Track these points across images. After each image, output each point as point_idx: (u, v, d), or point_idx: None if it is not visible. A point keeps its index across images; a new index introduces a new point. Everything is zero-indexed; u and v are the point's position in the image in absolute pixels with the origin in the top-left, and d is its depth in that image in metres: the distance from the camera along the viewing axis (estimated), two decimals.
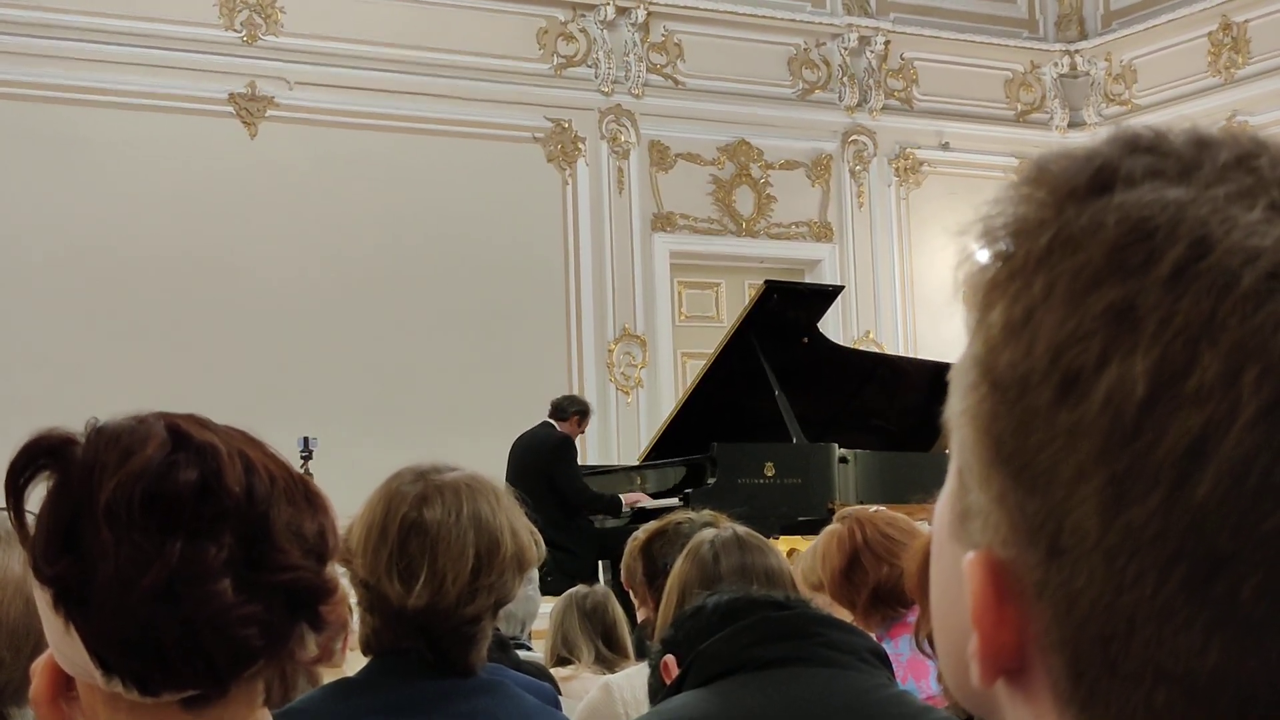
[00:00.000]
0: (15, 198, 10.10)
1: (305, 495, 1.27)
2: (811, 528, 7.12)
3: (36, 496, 1.24)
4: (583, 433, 9.47)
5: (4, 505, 1.26)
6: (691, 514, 3.35)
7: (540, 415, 9.24)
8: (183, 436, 1.23)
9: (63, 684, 1.27)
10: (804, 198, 12.80)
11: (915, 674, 3.31)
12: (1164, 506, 0.53)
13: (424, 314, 11.10)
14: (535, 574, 3.61)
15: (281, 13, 11.05)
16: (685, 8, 12.29)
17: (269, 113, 10.94)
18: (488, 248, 11.34)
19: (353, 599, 2.22)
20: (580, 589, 4.91)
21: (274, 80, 10.97)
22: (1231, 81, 12.84)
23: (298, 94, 11.00)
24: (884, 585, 3.41)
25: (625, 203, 12.05)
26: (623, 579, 3.52)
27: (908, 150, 13.21)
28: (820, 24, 12.91)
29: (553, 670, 4.21)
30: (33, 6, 10.25)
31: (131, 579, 1.18)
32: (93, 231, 10.26)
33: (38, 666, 1.29)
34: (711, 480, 8.56)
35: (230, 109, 10.85)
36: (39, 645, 1.33)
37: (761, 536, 2.97)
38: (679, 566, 2.84)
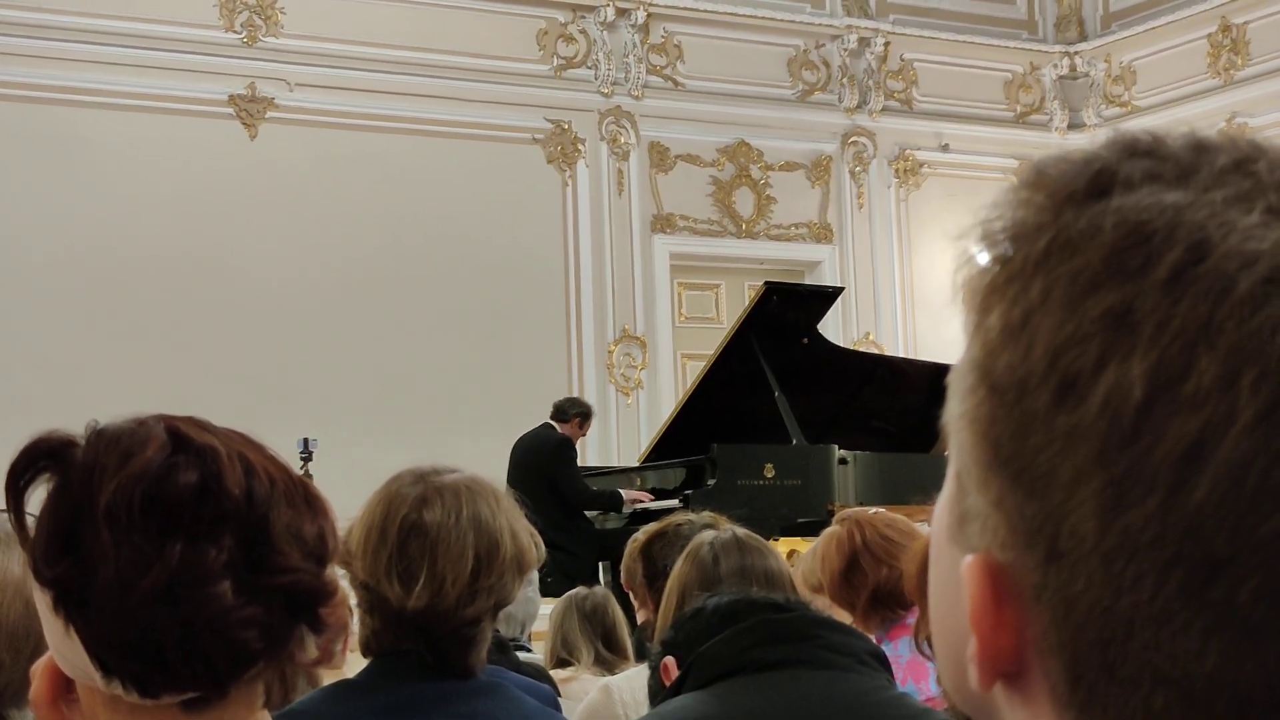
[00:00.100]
0: (16, 198, 10.10)
1: (305, 498, 1.27)
2: (811, 529, 7.13)
3: (37, 498, 1.24)
4: (584, 435, 9.47)
5: (4, 507, 1.26)
6: (691, 515, 3.35)
7: (540, 416, 9.25)
8: (183, 439, 1.23)
9: (63, 686, 1.27)
10: (804, 199, 12.80)
11: (915, 676, 3.31)
12: (1162, 510, 0.53)
13: (424, 315, 11.10)
14: (535, 575, 3.61)
15: (281, 14, 11.05)
16: (685, 9, 12.30)
17: (269, 114, 10.94)
18: (487, 249, 11.34)
19: (352, 601, 2.22)
20: (580, 591, 4.91)
21: (274, 81, 10.97)
22: (1231, 83, 12.84)
23: (298, 95, 11.00)
24: (883, 587, 3.41)
25: (625, 204, 12.05)
26: (622, 580, 3.52)
27: (907, 151, 13.21)
28: (820, 25, 12.91)
29: (552, 672, 4.20)
30: (33, 8, 10.26)
31: (131, 581, 1.18)
32: (93, 232, 10.26)
33: (38, 669, 1.29)
34: (711, 481, 8.55)
35: (230, 110, 10.85)
36: (39, 647, 1.33)
37: (761, 538, 2.97)
38: (679, 568, 2.84)
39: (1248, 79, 12.72)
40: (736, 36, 12.55)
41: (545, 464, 8.82)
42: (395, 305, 11.02)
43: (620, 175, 12.05)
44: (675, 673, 2.17)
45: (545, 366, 11.33)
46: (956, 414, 0.60)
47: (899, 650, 3.31)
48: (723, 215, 12.46)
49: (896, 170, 13.16)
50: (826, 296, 9.74)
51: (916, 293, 12.92)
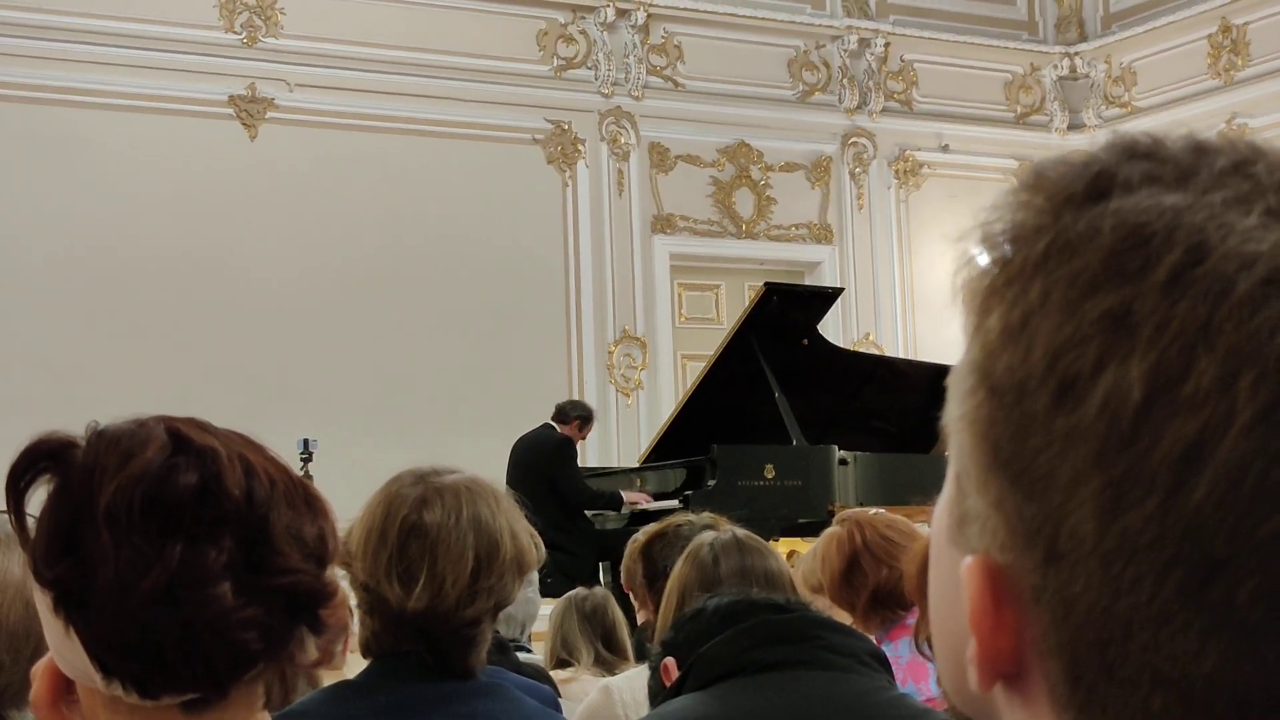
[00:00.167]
0: (16, 199, 10.11)
1: (305, 499, 1.27)
2: (811, 530, 7.13)
3: (37, 500, 1.24)
4: (584, 439, 9.46)
5: (4, 508, 1.26)
6: (691, 516, 3.35)
7: (540, 417, 9.25)
8: (183, 440, 1.23)
9: (63, 687, 1.27)
10: (804, 200, 12.80)
11: (915, 676, 3.31)
12: (1160, 511, 0.53)
13: (424, 316, 11.10)
14: (535, 576, 3.61)
15: (281, 14, 11.05)
16: (685, 10, 12.30)
17: (269, 114, 10.94)
18: (487, 249, 11.34)
19: (352, 601, 2.22)
20: (580, 591, 4.91)
21: (274, 82, 10.97)
22: (1231, 84, 12.84)
23: (298, 96, 11.00)
24: (883, 588, 3.41)
25: (625, 204, 12.05)
26: (623, 581, 3.52)
27: (907, 152, 13.21)
28: (820, 26, 12.91)
29: (552, 672, 4.20)
30: (33, 9, 10.26)
31: (131, 582, 1.18)
32: (93, 233, 10.26)
33: (38, 670, 1.29)
34: (711, 482, 8.55)
35: (230, 111, 10.86)
36: (39, 648, 1.33)
37: (761, 539, 2.97)
38: (679, 569, 2.84)
39: (1248, 80, 12.72)
40: (736, 37, 12.55)
41: (545, 464, 8.83)
42: (395, 306, 11.02)
43: (620, 176, 12.05)
44: (675, 673, 2.17)
45: (545, 367, 11.33)
46: (956, 416, 0.60)
47: (899, 651, 3.31)
48: (723, 216, 12.46)
49: (896, 171, 13.16)
50: (826, 297, 9.75)
51: (916, 293, 12.92)
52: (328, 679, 2.36)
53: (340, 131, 11.03)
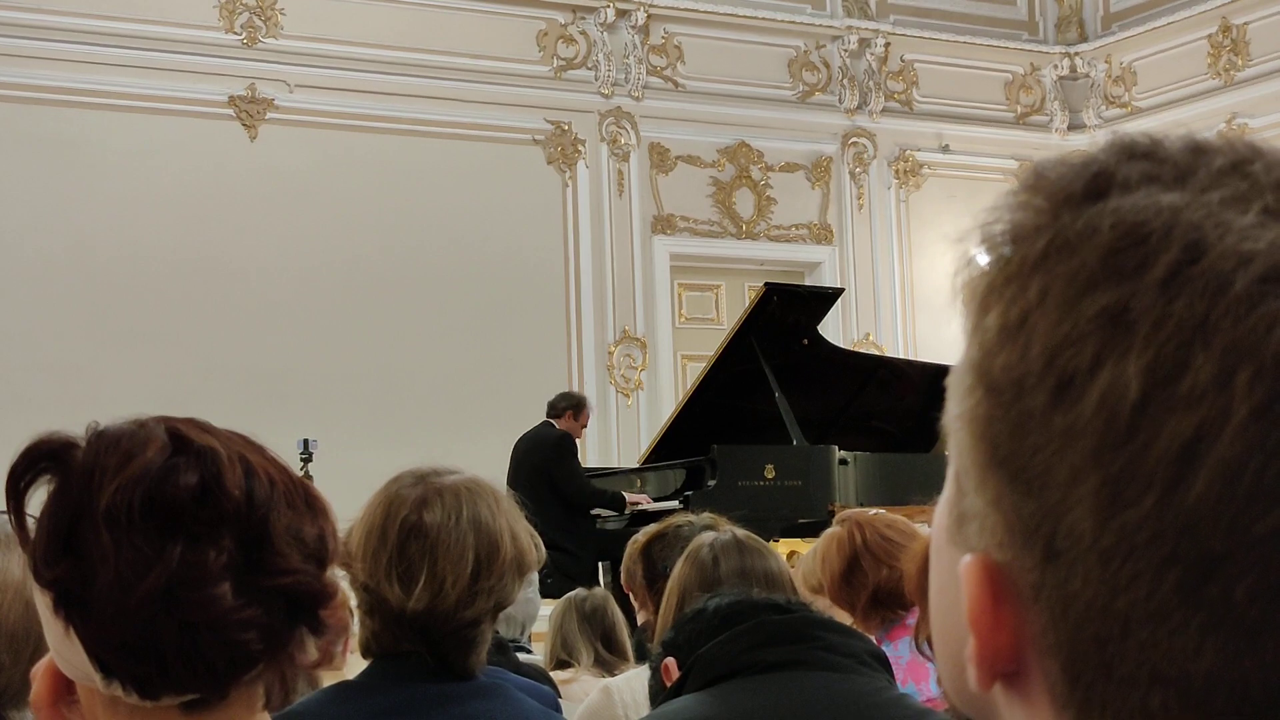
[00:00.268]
0: (16, 200, 10.11)
1: (305, 499, 1.27)
2: (812, 530, 7.13)
3: (37, 500, 1.24)
4: (584, 427, 9.45)
5: (4, 508, 1.26)
6: (691, 516, 3.35)
7: (540, 417, 9.24)
8: (183, 440, 1.23)
9: (63, 688, 1.27)
10: (804, 200, 12.80)
11: (915, 677, 3.31)
12: (1158, 508, 0.53)
13: (424, 316, 11.10)
14: (535, 577, 3.61)
15: (281, 15, 11.06)
16: (685, 10, 12.30)
17: (269, 115, 10.95)
18: (488, 250, 11.34)
19: (353, 602, 2.22)
20: (580, 592, 4.91)
21: (274, 83, 10.97)
22: (1231, 84, 12.84)
23: (298, 96, 11.01)
24: (883, 588, 3.41)
25: (625, 205, 12.06)
26: (622, 581, 3.52)
27: (907, 152, 13.22)
28: (820, 26, 12.91)
29: (552, 673, 4.20)
30: (33, 9, 10.26)
31: (131, 582, 1.18)
32: (93, 233, 10.26)
33: (38, 670, 1.29)
34: (712, 482, 8.55)
35: (230, 111, 10.86)
36: (39, 649, 1.33)
37: (761, 539, 2.97)
38: (679, 569, 2.84)
39: (1248, 80, 12.72)
40: (736, 37, 12.55)
41: (545, 461, 8.82)
42: (395, 306, 11.02)
43: (620, 176, 12.05)
44: (676, 674, 2.17)
45: (545, 367, 11.33)
46: (955, 414, 0.60)
47: (899, 651, 3.30)
48: (723, 216, 12.46)
49: (897, 171, 13.16)
50: (826, 297, 9.74)
51: (916, 294, 12.92)
52: (328, 679, 2.37)
53: (340, 132, 11.04)
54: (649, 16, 12.16)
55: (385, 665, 2.16)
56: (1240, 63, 12.79)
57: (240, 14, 10.95)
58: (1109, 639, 0.55)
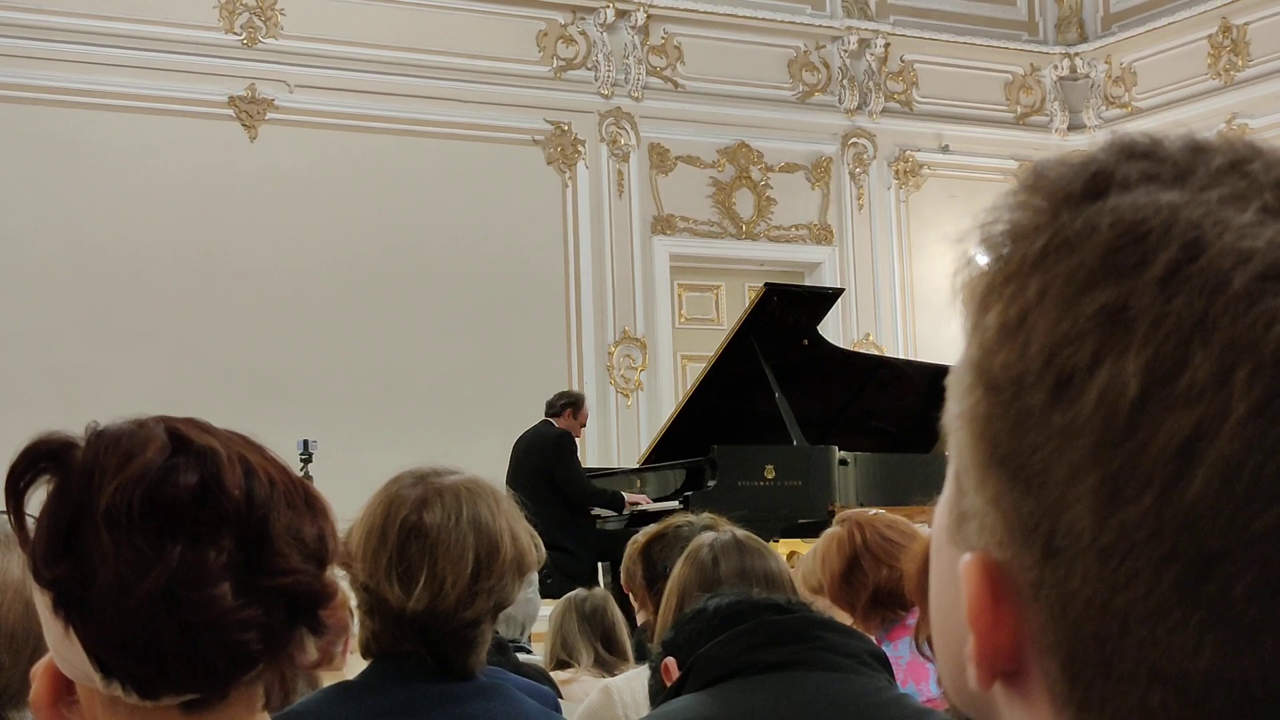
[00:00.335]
0: (16, 200, 10.11)
1: (305, 499, 1.27)
2: (812, 530, 7.12)
3: (37, 500, 1.24)
4: (583, 425, 9.45)
5: (4, 508, 1.26)
6: (691, 517, 3.35)
7: (540, 417, 9.24)
8: (182, 440, 1.23)
9: (63, 688, 1.27)
10: (804, 200, 12.80)
11: (915, 677, 3.31)
12: (1156, 506, 0.53)
13: (424, 316, 11.10)
14: (535, 577, 3.61)
15: (281, 15, 11.06)
16: (685, 10, 12.30)
17: (269, 115, 10.95)
18: (487, 250, 11.34)
19: (353, 602, 2.22)
20: (580, 592, 4.91)
21: (274, 83, 10.98)
22: (1231, 84, 12.84)
23: (297, 97, 11.01)
24: (883, 588, 3.41)
25: (625, 205, 12.06)
26: (622, 582, 3.52)
27: (907, 153, 13.22)
28: (820, 27, 12.91)
29: (552, 673, 4.20)
30: (33, 9, 10.26)
31: (131, 582, 1.18)
32: (93, 234, 10.27)
33: (37, 670, 1.29)
34: (712, 483, 8.55)
35: (230, 112, 10.86)
36: (38, 649, 1.33)
37: (761, 539, 2.97)
38: (678, 569, 2.84)
39: (1248, 80, 12.73)
40: (736, 38, 12.55)
41: (545, 459, 8.82)
42: (395, 307, 11.02)
43: (620, 176, 12.05)
44: (676, 673, 2.17)
45: (545, 368, 11.33)
46: (955, 413, 0.60)
47: (899, 651, 3.30)
48: (723, 216, 12.46)
49: (896, 171, 13.16)
50: (826, 298, 9.74)
51: (916, 294, 12.92)
52: (327, 680, 2.37)
53: (340, 132, 11.04)
54: (649, 17, 12.16)
55: (385, 665, 2.16)
56: (1240, 63, 12.79)
57: (240, 14, 10.95)
58: (1108, 637, 0.55)
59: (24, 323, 9.99)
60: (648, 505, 8.79)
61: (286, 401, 10.32)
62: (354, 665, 2.25)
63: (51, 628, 1.23)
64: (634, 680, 3.24)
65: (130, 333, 10.23)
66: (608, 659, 4.62)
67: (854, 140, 12.99)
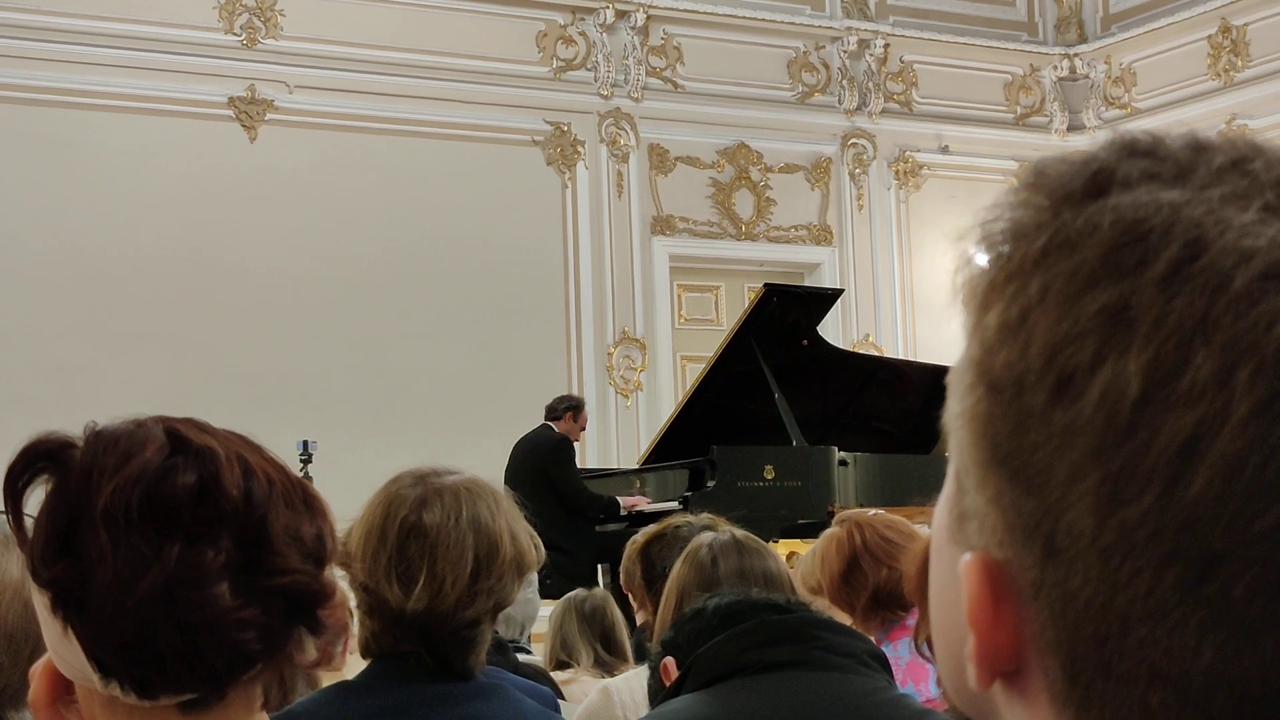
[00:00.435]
0: (16, 200, 10.11)
1: (304, 499, 1.27)
2: (811, 531, 7.12)
3: (35, 500, 1.24)
4: (582, 429, 9.45)
5: (2, 508, 1.26)
6: (690, 517, 3.35)
7: (540, 418, 9.24)
8: (181, 440, 1.23)
9: (61, 688, 1.27)
10: (803, 201, 12.80)
11: (914, 677, 3.31)
12: (1158, 505, 0.53)
13: (424, 317, 11.10)
14: (534, 577, 3.61)
15: (281, 16, 11.05)
16: (684, 11, 12.30)
17: (268, 116, 10.95)
18: (487, 251, 11.34)
19: (352, 602, 2.22)
20: (579, 592, 4.91)
21: (273, 84, 10.97)
22: (1231, 85, 12.84)
23: (297, 97, 11.00)
24: (883, 588, 3.40)
25: (625, 206, 12.05)
26: (621, 582, 3.52)
27: (907, 153, 13.22)
28: (819, 27, 12.91)
29: (551, 673, 4.20)
30: (32, 10, 10.26)
31: (129, 582, 1.17)
32: (93, 234, 10.27)
33: (36, 670, 1.29)
34: (711, 483, 8.55)
35: (230, 112, 10.86)
36: (37, 649, 1.33)
37: (760, 540, 2.97)
38: (677, 570, 2.84)
39: (1248, 80, 12.73)
40: (736, 38, 12.55)
41: (543, 464, 8.82)
42: (395, 307, 11.02)
43: (620, 177, 12.05)
44: (675, 673, 2.17)
45: (545, 368, 11.33)
46: (955, 412, 0.60)
47: (899, 652, 3.30)
48: (722, 217, 12.46)
49: (896, 172, 13.16)
50: (826, 298, 9.74)
51: (916, 294, 12.92)
52: (327, 680, 2.37)
53: (340, 133, 11.04)
54: (648, 18, 12.16)
55: (385, 665, 2.16)
56: (1240, 64, 12.80)
57: (240, 15, 10.95)
58: (1108, 637, 0.55)
59: (23, 323, 9.99)
60: (646, 505, 8.79)
61: (286, 402, 10.32)
62: (354, 665, 2.25)
63: (50, 627, 1.23)
64: (633, 681, 3.24)
65: (129, 333, 10.23)
66: (607, 659, 4.62)
67: (853, 141, 12.99)
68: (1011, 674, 0.59)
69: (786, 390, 8.86)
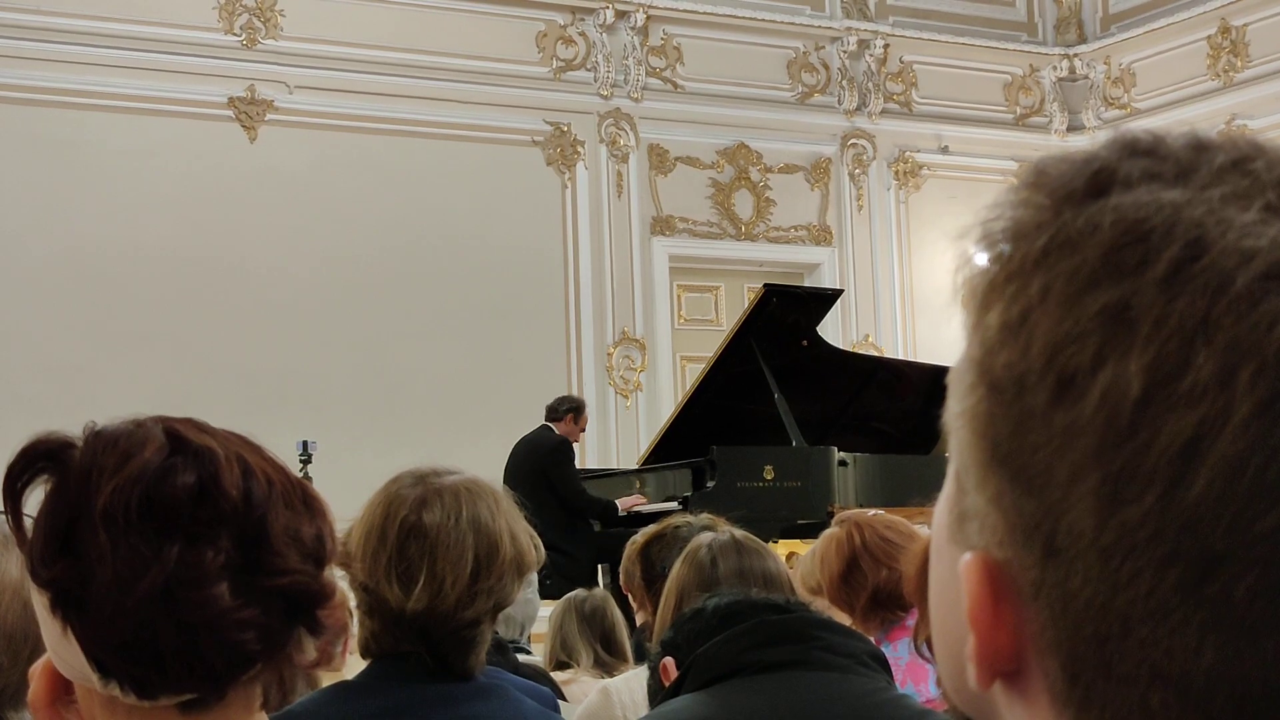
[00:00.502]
0: (16, 201, 10.11)
1: (303, 499, 1.27)
2: (811, 531, 7.12)
3: (35, 500, 1.24)
4: (583, 430, 9.45)
5: (2, 509, 1.25)
6: (690, 517, 3.35)
7: (540, 418, 9.25)
8: (180, 440, 1.23)
9: (61, 688, 1.27)
10: (803, 201, 12.80)
11: (914, 678, 3.31)
12: (1159, 506, 0.53)
13: (423, 317, 11.10)
14: (534, 577, 3.61)
15: (281, 16, 11.05)
16: (684, 11, 12.30)
17: (268, 116, 10.95)
18: (487, 251, 11.34)
19: (352, 602, 2.22)
20: (579, 593, 4.91)
21: (273, 84, 10.97)
22: (1230, 85, 12.84)
23: (297, 98, 11.00)
24: (883, 589, 3.40)
25: (624, 206, 12.06)
26: (621, 582, 3.52)
27: (907, 154, 13.22)
28: (819, 27, 12.91)
29: (551, 674, 4.20)
30: (32, 10, 10.26)
31: (129, 582, 1.17)
32: (93, 234, 10.26)
33: (36, 670, 1.29)
34: (711, 483, 8.55)
35: (230, 113, 10.86)
36: (37, 649, 1.33)
37: (759, 540, 2.97)
38: (677, 570, 2.84)
39: (1247, 81, 12.73)
40: (736, 39, 12.55)
41: (542, 465, 8.82)
42: (395, 308, 11.02)
43: (620, 177, 12.05)
44: (674, 673, 2.17)
45: (544, 369, 11.33)
46: (955, 412, 0.60)
47: (898, 652, 3.30)
48: (722, 217, 12.46)
49: (896, 172, 13.16)
50: (826, 299, 9.74)
51: (916, 295, 12.92)
52: (327, 680, 2.37)
53: (340, 133, 11.04)
54: (648, 18, 12.16)
55: (384, 666, 2.16)
56: (1239, 64, 12.80)
57: (240, 15, 10.95)
58: (1109, 637, 0.55)
59: (23, 323, 9.99)
60: (645, 507, 8.78)
61: (286, 402, 10.33)
62: (353, 665, 2.25)
63: (49, 628, 1.23)
64: (633, 681, 3.24)
65: (129, 333, 10.23)
66: (607, 660, 4.62)
67: (853, 141, 12.99)
68: (1012, 674, 0.59)
69: (786, 390, 8.86)
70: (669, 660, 2.19)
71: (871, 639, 2.75)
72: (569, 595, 4.91)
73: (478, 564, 2.11)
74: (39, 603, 1.24)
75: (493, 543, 2.13)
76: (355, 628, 2.24)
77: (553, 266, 11.68)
